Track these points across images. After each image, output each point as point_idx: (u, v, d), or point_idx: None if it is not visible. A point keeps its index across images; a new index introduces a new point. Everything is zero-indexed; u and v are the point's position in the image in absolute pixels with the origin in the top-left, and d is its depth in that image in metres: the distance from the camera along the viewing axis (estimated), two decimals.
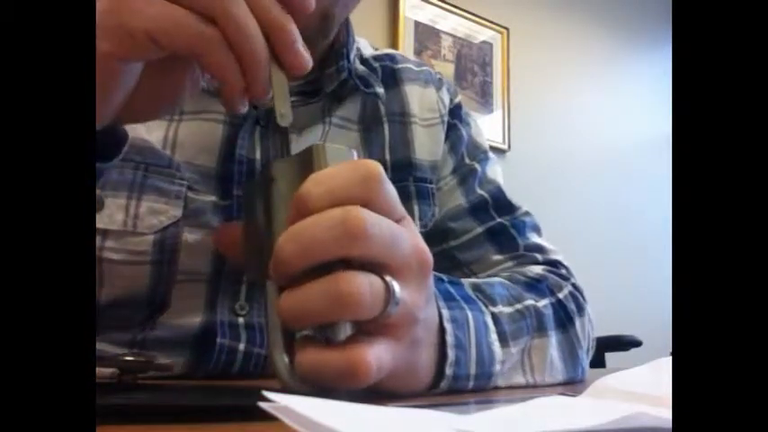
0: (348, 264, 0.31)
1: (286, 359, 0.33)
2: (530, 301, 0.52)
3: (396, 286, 0.32)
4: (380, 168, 0.33)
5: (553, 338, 0.52)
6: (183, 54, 0.34)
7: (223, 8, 0.33)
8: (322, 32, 0.55)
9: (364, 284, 0.31)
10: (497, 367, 0.46)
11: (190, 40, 0.33)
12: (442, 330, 0.41)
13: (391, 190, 0.34)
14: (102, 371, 0.42)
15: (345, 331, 0.32)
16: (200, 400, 0.32)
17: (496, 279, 0.54)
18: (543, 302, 0.53)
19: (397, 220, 0.34)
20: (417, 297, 0.35)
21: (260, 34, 0.34)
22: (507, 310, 0.49)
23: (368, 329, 0.32)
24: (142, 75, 0.36)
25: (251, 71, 0.34)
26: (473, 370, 0.44)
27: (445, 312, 0.42)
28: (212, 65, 0.34)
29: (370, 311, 0.31)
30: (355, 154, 0.35)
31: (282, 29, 0.34)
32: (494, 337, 0.46)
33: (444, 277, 0.47)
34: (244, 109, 0.36)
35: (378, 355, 0.32)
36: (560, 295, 0.55)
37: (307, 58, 0.35)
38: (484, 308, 0.47)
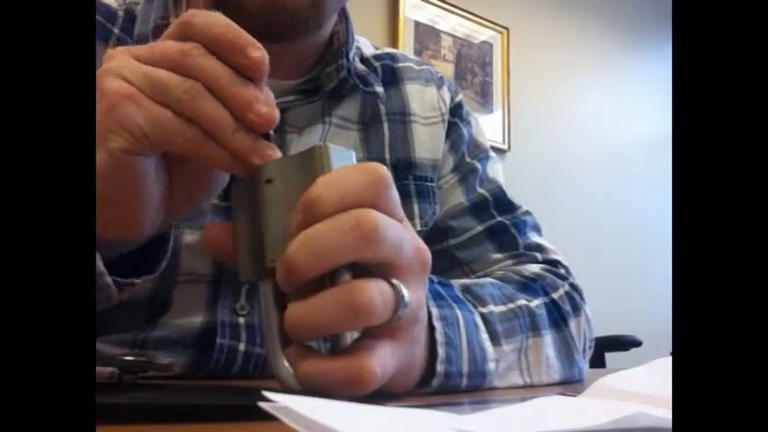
0: (354, 266, 0.31)
1: (286, 363, 0.33)
2: (522, 301, 0.52)
3: (404, 290, 0.32)
4: (387, 172, 0.33)
5: (548, 338, 0.52)
6: (176, 153, 0.36)
7: (192, 108, 0.34)
8: (314, 21, 0.55)
9: (375, 293, 0.31)
10: (491, 366, 0.46)
11: (177, 141, 0.34)
12: (431, 328, 0.41)
13: (395, 193, 0.34)
14: (102, 371, 0.42)
15: (352, 336, 0.32)
16: (201, 399, 0.32)
17: (487, 279, 0.54)
18: (536, 302, 0.53)
19: (399, 222, 0.34)
20: (419, 296, 0.35)
21: (228, 118, 0.34)
22: (499, 309, 0.49)
23: (373, 332, 0.32)
24: (173, 174, 0.38)
25: (235, 154, 0.35)
26: (465, 368, 0.44)
27: (434, 311, 0.42)
28: (203, 159, 0.35)
29: (381, 319, 0.31)
30: (354, 155, 0.35)
31: (236, 96, 0.34)
32: (484, 336, 0.47)
33: (434, 278, 0.47)
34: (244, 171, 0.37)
35: (382, 361, 0.32)
36: (555, 295, 0.55)
37: (270, 113, 0.35)
38: (473, 308, 0.47)
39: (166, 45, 0.35)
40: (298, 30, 0.54)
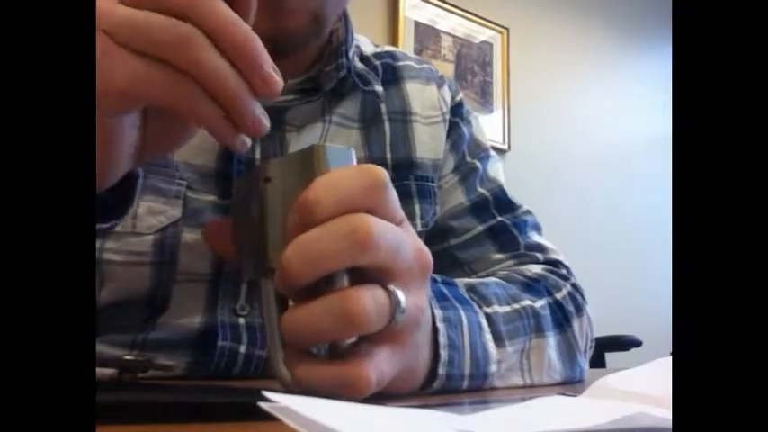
0: (351, 270, 0.31)
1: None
2: (527, 302, 0.52)
3: (400, 296, 0.32)
4: (385, 174, 0.33)
5: (551, 339, 0.52)
6: (162, 107, 0.33)
7: (186, 56, 0.31)
8: (314, 33, 0.55)
9: (369, 301, 0.30)
10: (493, 367, 0.46)
11: (164, 95, 0.32)
12: (434, 330, 0.41)
13: (394, 195, 0.34)
14: (103, 372, 0.42)
15: (349, 340, 0.32)
16: (201, 399, 0.32)
17: (492, 279, 0.54)
18: (541, 303, 0.53)
19: (398, 224, 0.34)
20: (420, 301, 0.35)
21: (232, 73, 0.32)
22: (503, 309, 0.49)
23: (371, 336, 0.32)
24: (148, 118, 0.36)
25: (234, 112, 0.33)
26: (467, 370, 0.44)
27: (438, 312, 0.42)
28: (192, 116, 0.33)
29: (375, 326, 0.31)
30: (354, 154, 0.34)
31: (248, 53, 0.32)
32: (488, 337, 0.46)
33: (438, 278, 0.47)
34: (245, 147, 0.35)
35: (378, 368, 0.32)
36: (558, 296, 0.55)
37: (276, 81, 0.33)
38: (478, 308, 0.47)
39: None
40: (300, 46, 0.55)
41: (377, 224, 0.31)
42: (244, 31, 0.32)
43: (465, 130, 0.70)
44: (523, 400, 0.27)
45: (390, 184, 0.33)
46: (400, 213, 0.34)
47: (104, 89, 0.31)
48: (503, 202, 0.66)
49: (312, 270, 0.30)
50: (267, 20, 0.50)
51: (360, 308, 0.30)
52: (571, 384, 0.54)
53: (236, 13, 0.33)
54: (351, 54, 0.63)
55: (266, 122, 0.34)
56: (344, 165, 0.33)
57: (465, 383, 0.44)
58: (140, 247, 0.51)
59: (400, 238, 0.33)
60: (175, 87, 0.32)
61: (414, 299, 0.34)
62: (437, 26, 2.34)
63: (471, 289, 0.49)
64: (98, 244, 0.51)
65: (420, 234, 0.62)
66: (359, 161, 0.34)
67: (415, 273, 0.34)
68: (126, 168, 0.37)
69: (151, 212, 0.52)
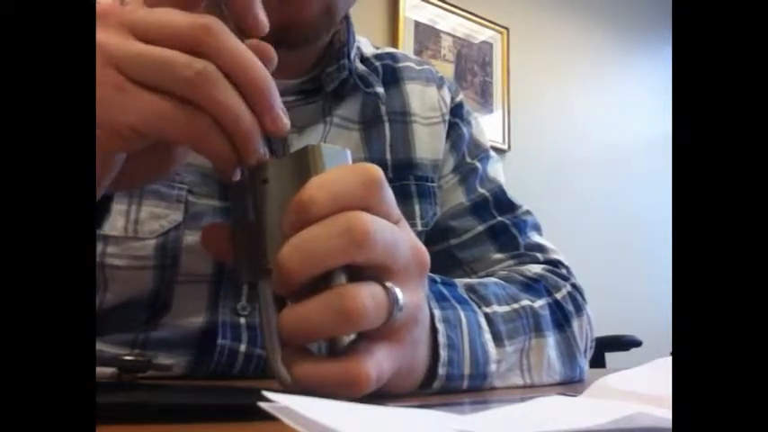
0: (348, 268, 0.31)
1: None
2: (526, 302, 0.52)
3: (398, 293, 0.32)
4: (380, 172, 0.33)
5: (551, 339, 0.52)
6: (173, 142, 0.33)
7: (205, 94, 0.31)
8: (325, 27, 0.55)
9: (367, 298, 0.30)
10: (493, 367, 0.46)
11: (178, 131, 0.32)
12: (433, 330, 0.41)
13: (390, 193, 0.34)
14: (103, 371, 0.42)
15: (349, 337, 0.32)
16: (201, 399, 0.32)
17: (491, 279, 0.54)
18: (540, 303, 0.53)
19: (395, 222, 0.34)
20: (418, 298, 0.35)
21: (247, 112, 0.32)
22: (502, 309, 0.49)
23: (370, 334, 0.32)
24: (133, 155, 0.36)
25: (243, 148, 0.33)
26: (467, 370, 0.44)
27: (437, 312, 0.42)
28: (205, 150, 0.33)
29: (374, 323, 0.31)
30: (349, 154, 0.35)
31: (262, 93, 0.33)
32: (487, 336, 0.46)
33: (437, 278, 0.47)
34: (236, 177, 0.35)
35: (378, 365, 0.32)
36: (558, 296, 0.55)
37: (285, 122, 0.34)
38: (477, 308, 0.47)
39: (174, 19, 0.32)
40: (311, 38, 0.55)
41: (373, 221, 0.31)
42: (260, 70, 0.33)
43: (465, 130, 0.70)
44: (523, 400, 0.27)
45: (386, 183, 0.33)
46: (396, 211, 0.34)
47: (115, 126, 0.31)
48: (503, 202, 0.67)
49: (309, 268, 0.30)
50: (280, 9, 0.50)
51: (358, 304, 0.30)
52: (571, 384, 0.54)
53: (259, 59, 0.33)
54: (352, 55, 0.63)
55: (266, 154, 0.34)
56: (340, 164, 0.33)
57: (465, 383, 0.44)
58: (142, 251, 0.51)
59: (397, 236, 0.33)
60: (190, 123, 0.32)
61: (411, 296, 0.34)
62: (437, 26, 2.34)
63: (470, 289, 0.49)
64: (100, 248, 0.51)
65: (420, 234, 0.62)
66: (359, 162, 0.34)
67: (413, 270, 0.34)
68: (100, 194, 0.37)
69: (153, 217, 0.52)
